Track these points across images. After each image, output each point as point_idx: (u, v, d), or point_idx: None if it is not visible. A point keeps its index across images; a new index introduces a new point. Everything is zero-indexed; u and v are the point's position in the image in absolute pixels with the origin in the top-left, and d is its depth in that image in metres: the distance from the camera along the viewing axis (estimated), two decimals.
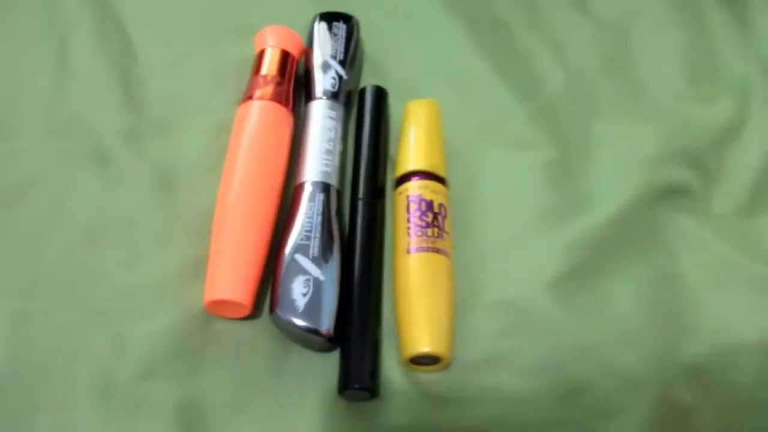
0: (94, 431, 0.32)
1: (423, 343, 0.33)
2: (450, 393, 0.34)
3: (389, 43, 0.46)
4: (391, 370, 0.34)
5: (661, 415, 0.33)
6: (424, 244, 0.35)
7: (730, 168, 0.42)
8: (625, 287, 0.37)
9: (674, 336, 0.36)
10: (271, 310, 0.33)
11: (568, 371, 0.34)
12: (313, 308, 0.33)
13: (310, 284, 0.34)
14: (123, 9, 0.46)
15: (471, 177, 0.40)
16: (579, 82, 0.45)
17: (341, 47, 0.42)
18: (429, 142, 0.39)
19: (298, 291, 0.33)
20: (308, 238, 0.35)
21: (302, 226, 0.35)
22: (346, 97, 0.41)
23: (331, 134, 0.39)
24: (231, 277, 0.34)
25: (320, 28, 0.43)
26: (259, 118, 0.38)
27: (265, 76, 0.40)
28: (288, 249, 0.35)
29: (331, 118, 0.40)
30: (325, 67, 0.41)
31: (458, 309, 0.35)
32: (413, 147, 0.39)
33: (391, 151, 0.41)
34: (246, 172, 0.37)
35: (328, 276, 0.34)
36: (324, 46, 0.42)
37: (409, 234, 0.36)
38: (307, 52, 0.43)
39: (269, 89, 0.39)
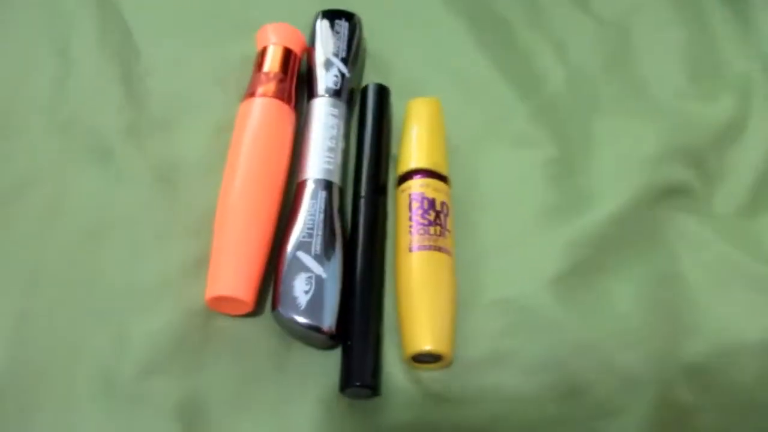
0: (95, 430, 0.32)
1: (425, 342, 0.33)
2: (451, 391, 0.34)
3: (391, 42, 0.46)
4: (393, 368, 0.34)
5: (661, 414, 0.33)
6: (426, 243, 0.35)
7: (731, 167, 0.42)
8: (626, 286, 0.37)
9: (675, 336, 0.36)
10: (273, 307, 0.33)
11: (569, 370, 0.34)
12: (315, 306, 0.33)
13: (312, 281, 0.34)
14: (124, 7, 0.46)
15: (472, 175, 0.40)
16: (580, 80, 0.45)
17: (343, 45, 0.42)
18: (431, 140, 0.39)
19: (300, 288, 0.33)
20: (310, 235, 0.35)
21: (304, 224, 0.35)
22: (348, 94, 0.41)
23: (334, 132, 0.39)
24: (233, 274, 0.34)
25: (322, 26, 0.43)
26: (262, 115, 0.38)
27: (267, 73, 0.40)
28: (290, 246, 0.35)
29: (333, 115, 0.40)
30: (328, 64, 0.41)
31: (460, 307, 0.35)
32: (415, 145, 0.39)
33: (393, 149, 0.41)
34: (248, 169, 0.37)
35: (330, 273, 0.34)
36: (326, 44, 0.42)
37: (411, 232, 0.36)
38: (310, 49, 0.43)
39: (272, 86, 0.39)
